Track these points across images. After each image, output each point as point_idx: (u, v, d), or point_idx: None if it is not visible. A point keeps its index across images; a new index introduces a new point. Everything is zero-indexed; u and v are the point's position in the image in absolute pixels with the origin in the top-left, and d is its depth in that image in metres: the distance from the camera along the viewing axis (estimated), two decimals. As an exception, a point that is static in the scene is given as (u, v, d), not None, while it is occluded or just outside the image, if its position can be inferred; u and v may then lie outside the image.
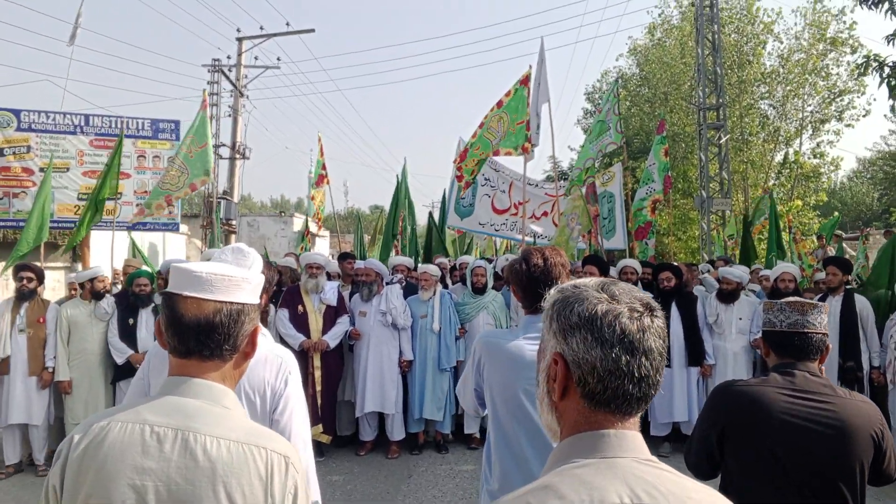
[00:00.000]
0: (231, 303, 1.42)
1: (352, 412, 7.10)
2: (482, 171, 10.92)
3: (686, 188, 21.69)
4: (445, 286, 7.85)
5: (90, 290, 6.71)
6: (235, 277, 1.44)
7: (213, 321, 1.39)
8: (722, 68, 16.74)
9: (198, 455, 1.29)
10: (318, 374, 6.67)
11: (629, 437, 1.07)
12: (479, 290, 7.18)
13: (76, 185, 11.72)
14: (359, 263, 7.50)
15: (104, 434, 1.32)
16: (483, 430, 7.11)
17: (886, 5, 8.34)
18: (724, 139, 16.49)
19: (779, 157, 21.71)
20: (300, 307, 6.69)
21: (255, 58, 23.19)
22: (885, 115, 20.83)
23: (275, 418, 2.08)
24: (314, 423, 6.52)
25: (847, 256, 10.76)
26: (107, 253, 8.61)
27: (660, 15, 23.75)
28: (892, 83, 8.37)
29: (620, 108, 10.61)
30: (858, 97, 20.19)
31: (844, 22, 19.66)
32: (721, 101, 16.43)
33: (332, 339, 6.71)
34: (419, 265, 8.11)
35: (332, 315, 6.81)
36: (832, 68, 20.28)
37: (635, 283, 7.12)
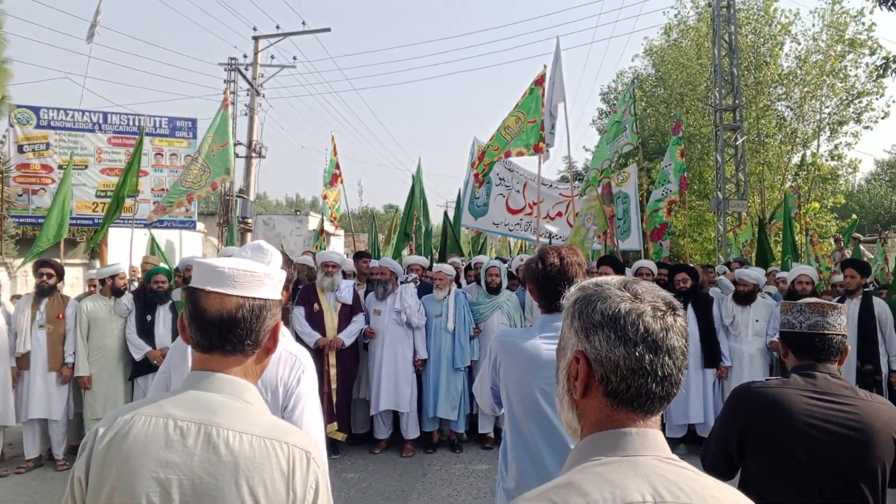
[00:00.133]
0: (253, 298, 1.43)
1: (367, 410, 7.12)
2: (497, 171, 10.94)
3: (702, 189, 21.56)
4: (459, 286, 7.87)
5: (111, 287, 6.77)
6: (258, 273, 1.45)
7: (235, 316, 1.41)
8: (739, 69, 16.65)
9: (220, 449, 1.30)
10: (333, 372, 6.70)
11: (651, 435, 1.07)
12: (494, 290, 7.18)
13: (94, 183, 11.85)
14: (374, 262, 7.53)
15: (128, 427, 1.34)
16: (497, 430, 7.13)
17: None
18: (740, 140, 16.40)
19: (796, 159, 21.53)
20: (316, 305, 6.72)
21: (272, 57, 23.35)
22: (904, 117, 20.63)
23: (286, 416, 2.09)
24: (329, 420, 6.55)
25: (865, 258, 10.67)
26: (124, 250, 8.68)
27: (676, 16, 23.64)
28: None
29: (636, 108, 10.56)
30: (877, 99, 20.01)
31: (863, 23, 19.48)
32: (738, 102, 16.34)
33: (348, 337, 6.74)
34: (434, 264, 8.12)
35: (347, 313, 6.84)
36: (851, 70, 20.09)
37: (651, 284, 7.08)
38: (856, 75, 20.05)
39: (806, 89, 20.44)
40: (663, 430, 6.85)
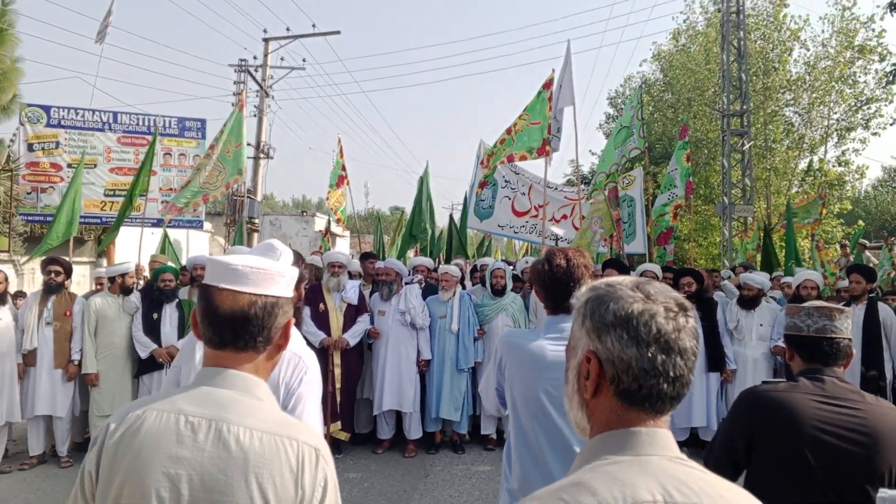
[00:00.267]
0: (266, 296, 1.45)
1: (370, 410, 7.14)
2: (502, 174, 10.95)
3: (708, 194, 21.52)
4: (464, 287, 7.89)
5: (120, 285, 6.81)
6: (270, 271, 1.47)
7: (247, 313, 1.42)
8: (747, 75, 16.63)
9: (230, 445, 1.31)
10: (337, 371, 6.72)
11: (661, 434, 1.08)
12: (499, 292, 7.19)
13: (103, 182, 11.90)
14: (379, 263, 7.56)
15: (140, 422, 1.35)
16: (500, 432, 7.14)
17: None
18: (747, 146, 16.37)
19: (803, 165, 21.48)
20: (321, 305, 6.75)
21: (282, 58, 23.39)
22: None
23: None
24: (333, 420, 6.57)
25: (871, 265, 10.64)
26: (131, 248, 8.72)
27: (685, 21, 23.63)
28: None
29: (643, 113, 10.57)
30: (886, 105, 19.94)
31: (873, 30, 19.40)
32: (745, 107, 16.32)
33: (353, 337, 6.76)
34: (439, 266, 8.14)
35: (352, 313, 6.87)
36: (860, 76, 20.04)
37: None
38: (865, 82, 20.01)
39: (814, 95, 20.38)
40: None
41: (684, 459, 1.06)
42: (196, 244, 19.39)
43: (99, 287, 7.29)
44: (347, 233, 29.31)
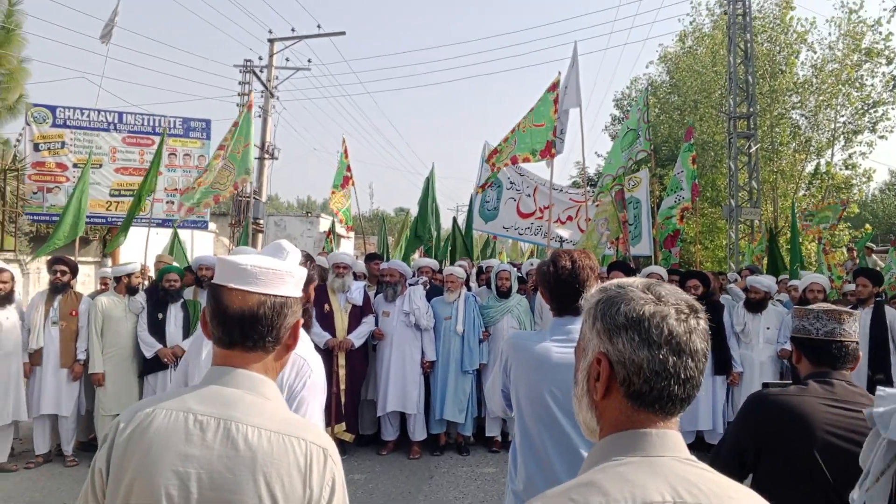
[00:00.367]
0: (275, 295, 1.45)
1: (374, 411, 7.14)
2: (507, 175, 10.94)
3: (714, 197, 21.48)
4: (469, 288, 7.88)
5: (125, 285, 6.82)
6: (280, 271, 1.47)
7: (256, 313, 1.42)
8: (754, 77, 16.61)
9: (239, 444, 1.31)
10: (342, 372, 6.72)
11: (670, 436, 1.08)
12: (504, 294, 7.18)
13: (108, 182, 11.92)
14: (383, 264, 7.56)
15: (150, 420, 1.35)
16: (504, 434, 7.13)
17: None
18: (754, 148, 16.34)
19: (810, 168, 21.43)
20: (326, 306, 6.75)
21: (287, 59, 23.48)
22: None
23: None
24: (337, 421, 6.58)
25: (878, 269, 10.60)
26: (136, 248, 8.73)
27: (691, 23, 23.60)
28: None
29: (649, 115, 10.55)
30: (893, 109, 19.87)
31: (880, 32, 19.36)
32: (752, 110, 16.29)
33: (357, 338, 6.76)
34: (445, 267, 8.14)
35: (357, 314, 6.87)
36: (867, 79, 19.98)
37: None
38: (872, 85, 19.96)
39: (821, 98, 20.34)
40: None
41: (694, 461, 1.06)
42: (201, 244, 19.42)
43: (104, 287, 7.30)
44: (352, 234, 29.39)
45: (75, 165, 11.43)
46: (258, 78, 22.40)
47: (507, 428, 7.10)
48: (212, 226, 19.29)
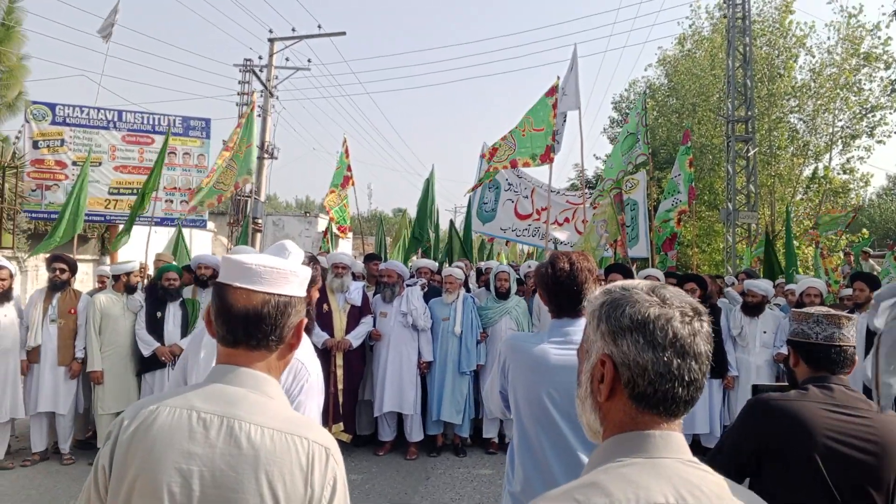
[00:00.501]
0: (279, 295, 1.46)
1: (371, 412, 7.14)
2: (506, 177, 10.97)
3: (712, 200, 21.51)
4: (468, 290, 7.89)
5: (124, 283, 6.81)
6: (284, 270, 1.48)
7: (261, 312, 1.43)
8: (752, 81, 16.63)
9: (242, 442, 1.32)
10: (340, 372, 6.73)
11: (674, 437, 1.09)
12: (503, 295, 7.19)
13: (107, 180, 11.92)
14: (381, 265, 7.57)
15: (153, 418, 1.36)
16: (501, 436, 7.14)
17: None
18: (752, 152, 16.37)
19: (807, 172, 21.46)
20: (325, 306, 6.75)
21: (287, 59, 23.48)
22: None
23: None
24: (335, 421, 6.58)
25: (875, 273, 10.63)
26: (135, 246, 8.72)
27: (690, 26, 23.64)
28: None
29: (648, 119, 10.58)
30: (891, 113, 19.90)
31: (879, 37, 19.39)
32: (750, 113, 16.32)
33: (355, 338, 6.77)
34: (444, 268, 8.15)
35: (356, 315, 6.88)
36: (865, 84, 20.01)
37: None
38: (870, 89, 19.98)
39: (819, 102, 20.37)
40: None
41: (697, 463, 1.07)
42: (199, 243, 19.42)
43: (101, 285, 7.30)
44: (347, 234, 29.39)
45: (74, 163, 11.43)
46: (258, 77, 22.40)
47: (504, 429, 7.12)
48: (210, 225, 19.28)
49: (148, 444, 1.33)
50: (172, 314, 6.74)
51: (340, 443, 6.67)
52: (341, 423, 6.70)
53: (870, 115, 20.09)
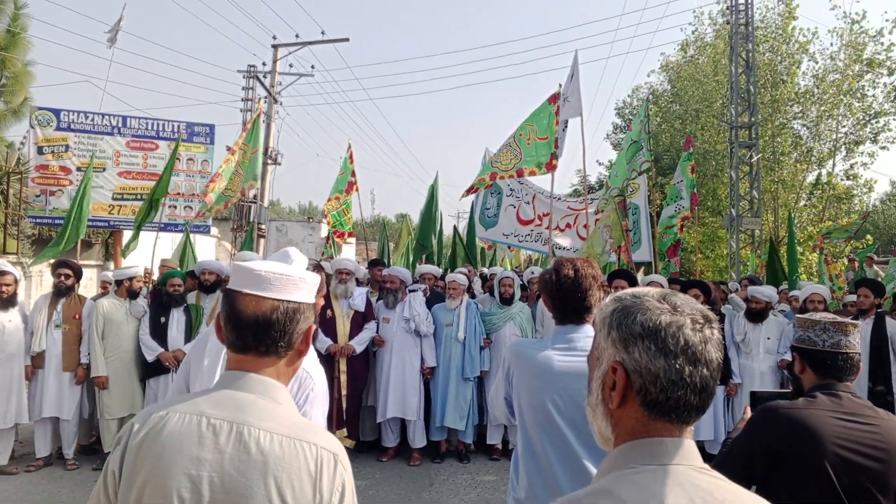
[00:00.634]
0: (288, 301, 1.47)
1: (375, 418, 7.13)
2: (507, 182, 10.98)
3: (715, 206, 21.49)
4: (473, 296, 7.89)
5: (126, 289, 6.82)
6: (293, 277, 1.49)
7: (270, 318, 1.44)
8: (755, 87, 16.64)
9: (251, 448, 1.33)
10: (343, 378, 6.73)
11: (685, 444, 1.09)
12: (507, 301, 7.19)
13: (111, 185, 11.95)
14: (384, 271, 7.57)
15: (163, 423, 1.37)
16: (505, 442, 7.12)
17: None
18: (755, 158, 16.37)
19: (811, 178, 21.44)
20: (329, 312, 6.76)
21: (290, 65, 23.48)
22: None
23: None
24: (338, 427, 6.58)
25: (879, 279, 10.60)
26: (145, 252, 8.72)
27: (693, 32, 23.67)
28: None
29: (650, 126, 10.60)
30: (894, 119, 19.88)
31: (882, 43, 19.39)
32: (753, 119, 16.33)
33: (359, 344, 6.77)
34: (447, 274, 8.15)
35: (359, 320, 6.88)
36: (868, 90, 20.00)
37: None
38: (873, 95, 19.97)
39: (823, 108, 20.36)
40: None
41: (708, 469, 1.07)
42: (203, 249, 19.41)
43: (104, 290, 7.31)
44: (353, 239, 29.41)
45: (79, 169, 11.45)
46: (262, 83, 22.45)
47: (507, 436, 7.10)
48: (214, 230, 19.30)
49: (158, 450, 1.34)
50: (176, 320, 6.75)
51: (344, 449, 6.69)
52: (345, 429, 6.69)
53: (873, 121, 20.08)
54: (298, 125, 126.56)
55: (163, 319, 6.71)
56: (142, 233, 8.92)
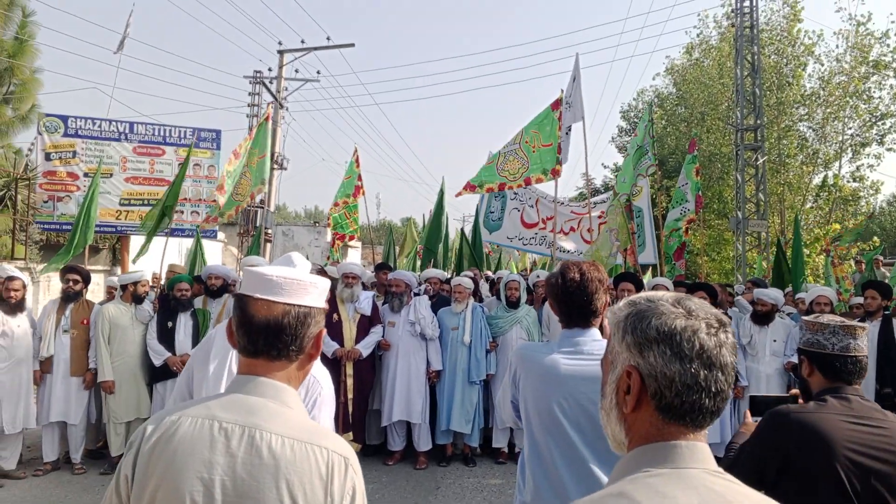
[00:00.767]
0: (299, 306, 1.48)
1: (381, 421, 7.14)
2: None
3: (721, 209, 21.44)
4: (481, 299, 7.90)
5: (131, 294, 6.85)
6: (304, 281, 1.50)
7: (281, 322, 1.45)
8: (761, 89, 16.61)
9: (263, 452, 1.34)
10: (349, 381, 6.74)
11: (700, 448, 1.09)
12: (513, 304, 7.20)
13: (118, 191, 12.02)
14: (389, 275, 7.59)
15: (175, 428, 1.38)
16: (511, 445, 7.12)
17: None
18: (761, 160, 16.33)
19: (817, 180, 21.38)
20: (335, 315, 6.78)
21: (296, 70, 23.65)
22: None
23: None
24: (344, 430, 6.58)
25: (886, 281, 10.56)
26: (153, 257, 8.74)
27: (698, 35, 23.64)
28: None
29: (656, 128, 10.63)
30: (901, 121, 19.82)
31: (888, 45, 19.32)
32: (759, 122, 16.29)
33: (365, 347, 6.79)
34: (453, 277, 8.16)
35: (365, 324, 6.89)
36: (874, 91, 19.93)
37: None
38: (880, 97, 19.89)
39: (828, 110, 20.29)
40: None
41: (722, 473, 1.07)
42: (209, 254, 19.42)
43: (110, 296, 7.34)
44: (359, 244, 29.45)
45: (86, 175, 11.52)
46: (268, 89, 22.54)
47: (514, 439, 7.10)
48: (220, 235, 19.36)
49: (170, 454, 1.35)
50: (183, 324, 6.77)
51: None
52: (351, 433, 6.70)
53: (879, 123, 20.01)
54: (304, 130, 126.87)
55: (170, 324, 6.73)
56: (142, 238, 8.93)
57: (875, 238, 18.86)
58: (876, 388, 6.18)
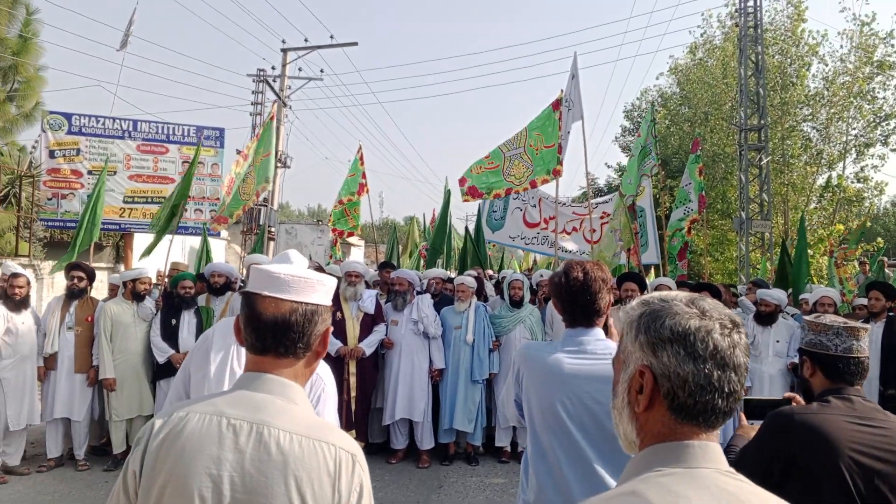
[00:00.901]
0: (306, 303, 1.49)
1: (383, 420, 7.14)
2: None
3: (725, 209, 21.41)
4: (486, 298, 7.90)
5: (131, 291, 6.86)
6: (311, 279, 1.51)
7: (289, 320, 1.46)
8: (765, 89, 16.59)
9: (271, 448, 1.35)
10: (353, 380, 6.75)
11: (712, 448, 1.09)
12: (517, 304, 7.20)
13: (122, 189, 12.03)
14: (392, 273, 7.60)
15: (183, 424, 1.38)
16: (514, 444, 7.12)
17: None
18: (765, 161, 16.31)
19: (821, 181, 21.33)
20: (338, 314, 6.78)
21: (299, 69, 23.65)
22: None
23: None
24: (347, 428, 6.59)
25: (890, 282, 10.54)
26: (158, 254, 8.74)
27: (702, 35, 23.61)
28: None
29: (659, 128, 10.64)
30: (906, 121, 19.78)
31: (892, 45, 19.27)
32: (763, 122, 16.27)
33: (368, 346, 6.79)
34: (456, 276, 8.16)
35: (369, 323, 6.89)
36: (879, 92, 19.88)
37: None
38: (884, 97, 19.85)
39: (833, 111, 20.25)
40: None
41: (734, 473, 1.07)
42: (213, 252, 19.49)
43: (112, 293, 7.36)
44: (362, 242, 29.49)
45: (90, 172, 11.55)
46: (271, 87, 22.56)
47: (516, 438, 7.10)
48: (224, 233, 19.39)
49: (178, 450, 1.36)
50: (187, 322, 6.78)
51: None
52: (353, 431, 6.71)
53: (883, 124, 19.97)
54: (307, 128, 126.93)
55: (174, 321, 6.74)
56: (148, 236, 8.94)
57: (879, 239, 18.81)
58: (880, 390, 6.17)
